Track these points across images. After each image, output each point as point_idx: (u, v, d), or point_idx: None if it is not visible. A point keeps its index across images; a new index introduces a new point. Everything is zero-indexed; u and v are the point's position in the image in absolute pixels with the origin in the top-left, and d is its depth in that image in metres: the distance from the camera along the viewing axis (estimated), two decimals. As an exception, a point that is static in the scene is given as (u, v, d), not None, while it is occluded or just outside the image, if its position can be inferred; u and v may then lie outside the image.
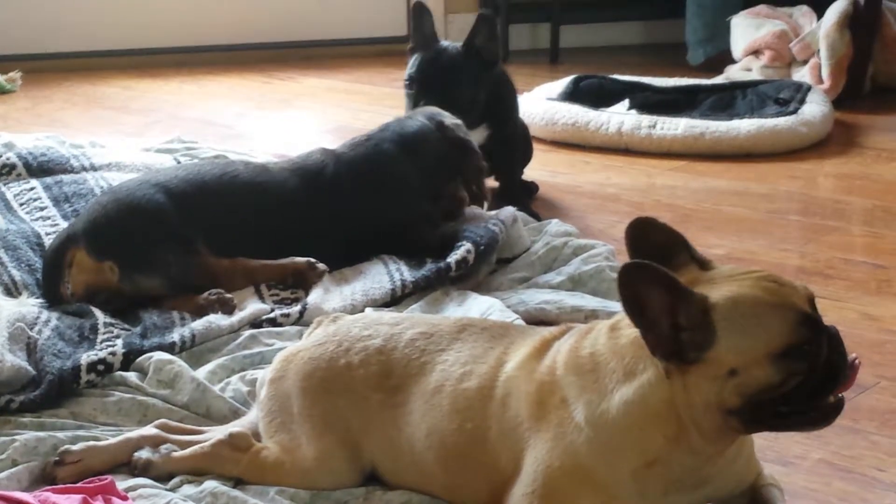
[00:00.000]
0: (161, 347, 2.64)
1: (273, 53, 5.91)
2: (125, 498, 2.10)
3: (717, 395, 1.85)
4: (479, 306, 2.83)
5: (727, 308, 1.84)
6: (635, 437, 1.91)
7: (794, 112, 4.45)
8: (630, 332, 1.90)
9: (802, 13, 5.18)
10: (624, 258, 1.92)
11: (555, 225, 3.35)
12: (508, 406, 2.02)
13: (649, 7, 6.17)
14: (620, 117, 4.44)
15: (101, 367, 2.55)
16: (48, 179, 3.61)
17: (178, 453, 2.23)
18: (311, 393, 2.18)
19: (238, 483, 2.18)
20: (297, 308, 2.85)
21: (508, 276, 3.10)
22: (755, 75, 5.06)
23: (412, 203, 3.16)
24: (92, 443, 2.27)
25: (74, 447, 2.24)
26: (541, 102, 4.56)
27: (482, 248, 3.04)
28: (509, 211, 3.29)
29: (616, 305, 2.66)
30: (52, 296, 2.91)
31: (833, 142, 4.48)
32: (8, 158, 3.71)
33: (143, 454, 2.23)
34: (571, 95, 4.63)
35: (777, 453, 2.32)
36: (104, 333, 2.71)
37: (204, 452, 2.21)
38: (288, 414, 2.19)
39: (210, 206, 3.03)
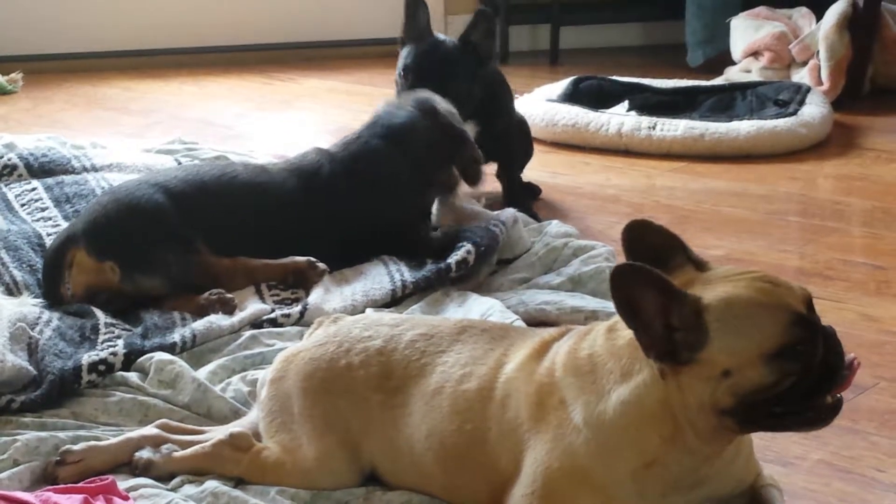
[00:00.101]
0: (162, 348, 2.64)
1: (273, 54, 5.91)
2: (126, 498, 2.10)
3: (711, 396, 1.86)
4: (479, 307, 2.84)
5: (720, 309, 1.85)
6: (632, 437, 1.91)
7: (794, 113, 4.45)
8: (627, 333, 1.91)
9: (802, 15, 5.19)
10: (623, 259, 1.93)
11: (555, 226, 3.36)
12: (508, 407, 2.03)
13: (649, 8, 6.17)
14: (620, 118, 4.44)
15: (102, 368, 2.55)
16: (49, 180, 3.61)
17: (179, 453, 2.23)
18: (311, 393, 2.19)
19: (239, 483, 2.18)
20: (297, 308, 2.86)
21: (509, 277, 3.11)
22: (754, 77, 5.07)
23: (406, 200, 3.15)
24: (93, 443, 2.27)
25: (76, 447, 2.24)
26: (541, 104, 4.57)
27: (482, 248, 3.05)
28: (510, 212, 3.29)
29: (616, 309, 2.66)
30: (53, 297, 2.91)
31: (832, 143, 4.49)
32: (9, 159, 3.72)
33: (145, 454, 2.23)
34: (571, 97, 4.63)
35: (776, 454, 2.33)
36: (105, 334, 2.72)
37: (205, 452, 2.21)
38: (288, 414, 2.19)
39: (209, 206, 3.04)
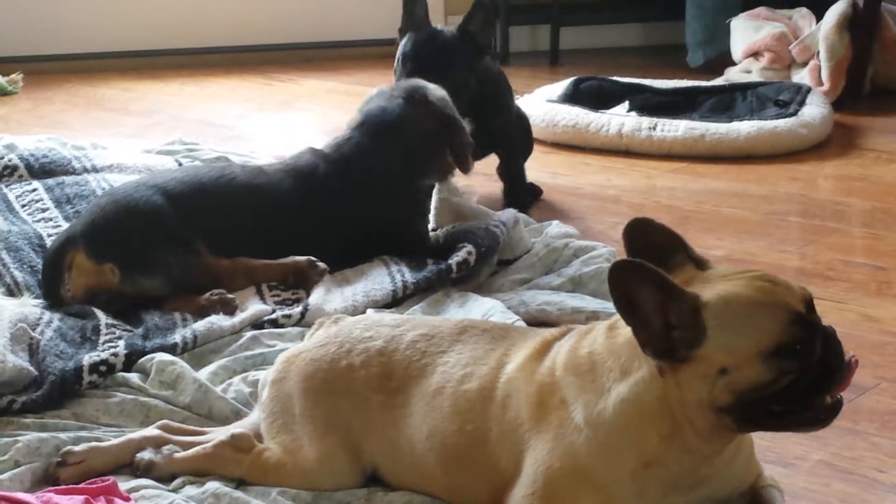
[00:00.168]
0: (163, 348, 2.64)
1: (274, 55, 5.91)
2: (127, 499, 2.10)
3: (709, 394, 1.86)
4: (480, 308, 2.84)
5: (718, 307, 1.85)
6: (632, 436, 1.92)
7: (794, 114, 4.45)
8: (627, 331, 1.91)
9: (802, 15, 5.19)
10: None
11: (555, 226, 3.36)
12: (509, 407, 2.03)
13: (649, 9, 6.17)
14: (621, 119, 4.45)
15: (103, 368, 2.55)
16: (50, 181, 3.61)
17: (181, 454, 2.24)
18: (312, 394, 2.19)
19: (240, 484, 2.18)
20: (298, 309, 2.86)
21: (509, 278, 3.11)
22: (755, 77, 5.07)
23: (402, 198, 3.14)
24: (94, 444, 2.27)
25: (77, 448, 2.24)
26: (541, 104, 4.57)
27: (483, 249, 3.05)
28: (510, 213, 3.29)
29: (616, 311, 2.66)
30: (53, 299, 2.91)
31: (833, 143, 4.49)
32: (10, 160, 3.72)
33: (146, 455, 2.23)
34: (572, 97, 4.63)
35: (777, 454, 2.33)
36: (106, 334, 2.72)
37: (206, 453, 2.21)
38: (289, 415, 2.20)
39: (208, 207, 3.04)
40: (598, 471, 1.93)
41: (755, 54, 5.16)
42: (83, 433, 2.35)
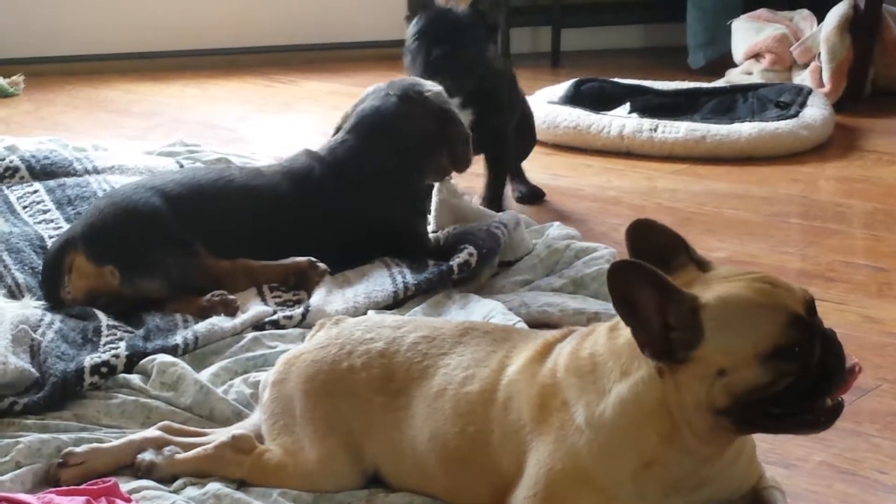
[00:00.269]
0: (164, 350, 2.64)
1: (275, 57, 5.91)
2: (128, 500, 2.10)
3: (707, 395, 1.86)
4: (481, 309, 2.84)
5: (717, 308, 1.85)
6: (632, 437, 1.92)
7: (795, 115, 4.45)
8: (627, 332, 1.91)
9: (803, 17, 5.19)
10: (626, 261, 1.93)
11: (556, 228, 3.36)
12: (510, 409, 2.03)
13: (650, 11, 6.17)
14: (622, 121, 4.45)
15: (104, 370, 2.55)
16: (51, 182, 3.61)
17: (182, 455, 2.23)
18: (313, 395, 2.19)
19: (241, 485, 2.18)
20: (299, 310, 2.86)
21: (510, 279, 3.11)
22: (756, 79, 5.07)
23: (399, 199, 3.14)
24: (95, 445, 2.27)
25: (78, 449, 2.24)
26: (542, 106, 4.56)
27: (484, 251, 3.05)
28: (511, 214, 3.29)
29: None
30: (53, 301, 2.91)
31: (834, 145, 4.49)
32: (11, 161, 3.72)
33: (147, 456, 2.23)
34: (573, 99, 4.63)
35: (779, 456, 2.33)
36: (107, 336, 2.72)
37: (207, 454, 2.21)
38: (290, 416, 2.20)
39: (206, 209, 3.04)
40: (599, 472, 1.93)
41: (756, 56, 5.16)
42: (84, 434, 2.35)
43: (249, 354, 2.67)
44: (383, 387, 2.15)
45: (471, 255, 3.02)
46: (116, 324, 2.79)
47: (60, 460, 2.23)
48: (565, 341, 2.05)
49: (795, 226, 3.71)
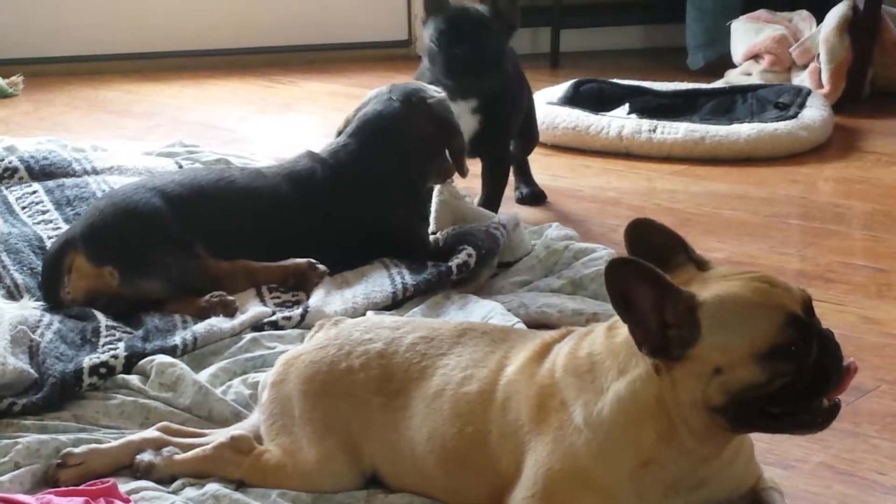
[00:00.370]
0: (163, 350, 2.64)
1: (275, 57, 5.91)
2: (127, 501, 2.10)
3: (703, 393, 1.86)
4: (480, 310, 2.84)
5: (714, 306, 1.86)
6: (630, 435, 1.92)
7: (794, 116, 4.45)
8: (625, 330, 1.92)
9: (802, 18, 5.19)
10: (624, 261, 1.93)
11: (555, 229, 3.36)
12: (509, 409, 2.03)
13: (649, 12, 6.17)
14: (621, 121, 4.45)
15: (103, 371, 2.55)
16: (50, 183, 3.61)
17: (180, 456, 2.24)
18: (312, 396, 2.19)
19: (240, 486, 2.18)
20: (298, 311, 2.86)
21: (509, 280, 3.11)
22: (755, 80, 5.07)
23: (400, 203, 3.14)
24: (94, 445, 2.27)
25: (77, 450, 2.24)
26: (541, 106, 4.55)
27: (483, 251, 3.05)
28: (510, 215, 3.30)
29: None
30: (53, 301, 2.91)
31: (833, 146, 4.49)
32: (10, 162, 3.72)
33: (146, 457, 2.23)
34: (572, 100, 4.63)
35: (778, 456, 2.33)
36: (106, 336, 2.72)
37: (206, 455, 2.22)
38: (289, 417, 2.20)
39: (207, 210, 3.04)
40: (597, 472, 1.93)
41: (755, 57, 5.16)
42: (83, 435, 2.35)
43: (248, 355, 2.68)
44: (382, 387, 2.15)
45: (469, 255, 3.02)
46: (115, 324, 2.79)
47: (59, 461, 2.23)
48: (564, 341, 2.06)
49: (794, 227, 3.71)
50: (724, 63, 5.37)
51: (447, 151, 3.16)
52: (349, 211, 3.11)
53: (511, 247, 3.20)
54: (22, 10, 5.70)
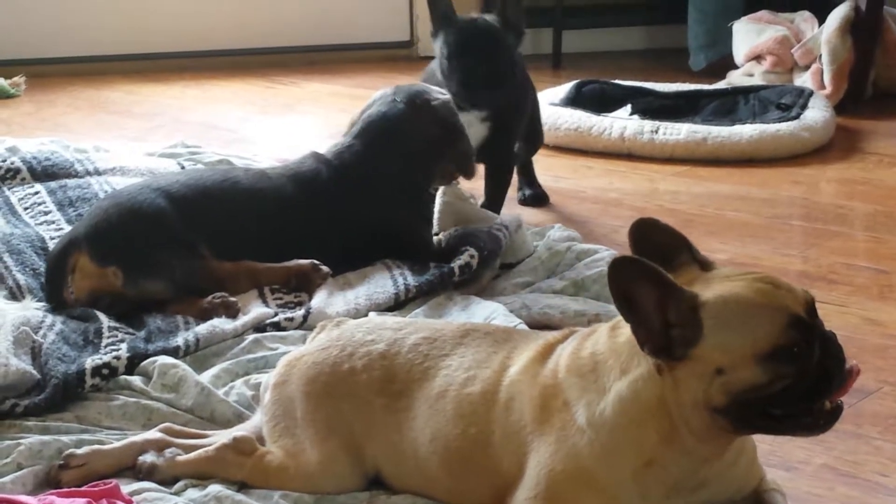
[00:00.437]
0: (165, 351, 2.64)
1: (276, 58, 5.91)
2: (130, 502, 2.10)
3: (704, 393, 1.86)
4: (482, 311, 2.84)
5: (716, 306, 1.86)
6: (632, 435, 1.92)
7: (796, 117, 4.45)
8: (628, 330, 1.91)
9: (804, 19, 5.19)
10: (628, 263, 1.93)
11: (557, 230, 3.36)
12: (512, 410, 2.03)
13: (651, 12, 6.17)
14: (623, 122, 4.45)
15: (105, 372, 2.55)
16: (52, 184, 3.61)
17: (183, 457, 2.24)
18: (314, 397, 2.19)
19: (242, 487, 2.18)
20: (300, 312, 2.86)
21: (512, 281, 3.11)
22: (757, 81, 5.07)
23: (404, 205, 3.14)
24: (96, 446, 2.27)
25: (79, 451, 2.24)
26: (544, 107, 4.55)
27: (486, 253, 3.05)
28: (513, 216, 3.30)
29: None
30: (56, 301, 2.92)
31: (835, 147, 4.49)
32: (12, 163, 3.71)
33: (148, 458, 2.23)
34: (574, 101, 4.63)
35: (780, 458, 2.33)
36: (108, 337, 2.72)
37: (208, 456, 2.21)
38: (291, 418, 2.20)
39: (211, 210, 3.04)
40: (600, 472, 1.93)
41: (757, 58, 5.16)
42: (85, 436, 2.35)
43: (250, 356, 2.68)
44: (384, 388, 2.15)
45: (472, 256, 3.02)
46: (117, 325, 2.79)
47: (61, 462, 2.23)
48: (567, 342, 2.06)
49: (797, 228, 3.71)
50: (726, 64, 5.38)
51: (452, 153, 3.16)
52: (353, 212, 3.11)
53: (513, 248, 3.20)
54: (24, 10, 5.70)
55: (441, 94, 3.21)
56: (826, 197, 4.01)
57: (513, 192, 3.80)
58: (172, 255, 2.94)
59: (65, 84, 5.54)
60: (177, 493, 2.17)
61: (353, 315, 2.78)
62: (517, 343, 2.12)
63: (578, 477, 1.94)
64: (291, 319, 2.84)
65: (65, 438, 2.32)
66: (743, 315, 1.85)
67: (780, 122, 4.42)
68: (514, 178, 3.79)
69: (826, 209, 3.86)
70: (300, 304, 2.94)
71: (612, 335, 1.98)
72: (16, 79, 5.40)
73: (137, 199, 3.01)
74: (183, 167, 3.80)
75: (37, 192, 3.57)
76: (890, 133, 4.66)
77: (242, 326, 2.79)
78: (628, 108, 4.58)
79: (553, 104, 4.59)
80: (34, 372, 2.52)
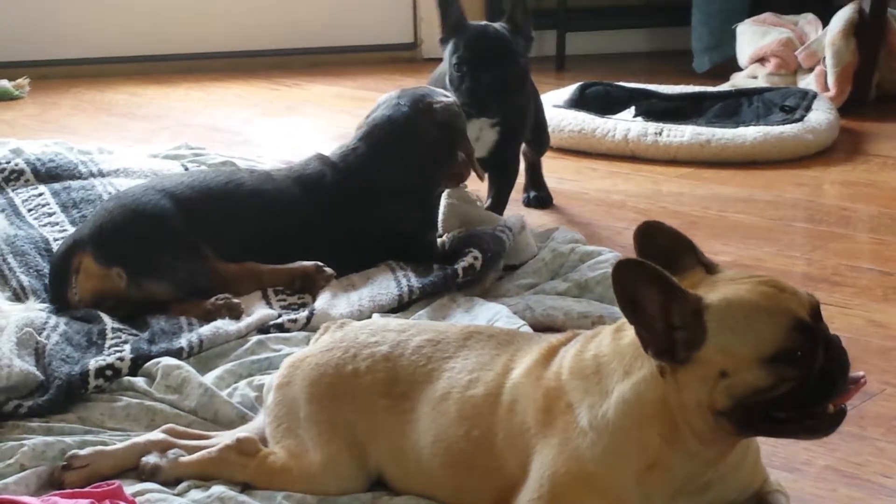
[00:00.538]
0: (169, 353, 2.64)
1: (280, 60, 5.92)
2: (132, 502, 2.10)
3: (708, 396, 1.86)
4: (485, 313, 2.84)
5: (720, 309, 1.85)
6: (635, 437, 1.92)
7: (800, 119, 4.45)
8: (632, 332, 1.91)
9: (808, 21, 5.19)
10: (631, 264, 1.93)
11: (561, 232, 3.36)
12: (515, 412, 2.03)
13: (655, 15, 6.17)
14: (627, 124, 4.45)
15: (109, 373, 2.55)
16: (56, 185, 3.61)
17: (186, 458, 2.24)
18: (317, 399, 2.19)
19: (245, 488, 2.18)
20: (304, 313, 2.86)
21: (515, 283, 3.11)
22: (761, 83, 5.07)
23: (408, 208, 3.15)
24: (100, 447, 2.28)
25: (82, 452, 2.25)
26: (547, 109, 4.55)
27: (489, 254, 3.05)
28: (517, 218, 3.30)
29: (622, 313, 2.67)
30: (60, 302, 2.92)
31: (839, 149, 4.49)
32: (16, 164, 3.72)
33: (151, 459, 2.23)
34: (578, 102, 4.63)
35: (784, 460, 2.33)
36: (112, 339, 2.72)
37: (211, 457, 2.22)
38: (295, 419, 2.20)
39: (215, 212, 3.04)
40: (602, 475, 1.93)
41: (761, 60, 5.16)
42: (89, 437, 2.36)
43: (254, 357, 2.68)
44: (388, 390, 2.15)
45: (475, 258, 3.02)
46: (121, 327, 2.79)
47: (65, 463, 2.23)
48: (570, 344, 2.06)
49: (801, 230, 3.71)
50: (729, 66, 5.38)
51: (456, 157, 3.16)
52: (357, 214, 3.12)
53: (517, 250, 3.20)
54: (28, 13, 5.71)
55: (445, 96, 3.22)
56: (830, 199, 4.01)
57: (516, 194, 3.80)
58: (176, 256, 2.94)
59: (69, 86, 5.54)
60: (180, 494, 2.17)
61: (356, 317, 2.78)
62: (520, 345, 2.12)
63: (581, 479, 1.94)
64: (295, 321, 2.84)
65: (68, 439, 2.32)
66: (747, 318, 1.85)
67: (783, 124, 4.42)
68: (519, 179, 3.79)
69: (830, 211, 3.86)
70: (304, 305, 2.94)
71: (615, 337, 1.98)
72: (20, 80, 5.41)
73: (141, 201, 3.01)
74: (187, 169, 3.80)
75: (41, 194, 3.57)
76: (894, 135, 4.66)
77: (246, 328, 2.79)
78: (632, 110, 4.58)
79: (557, 106, 4.60)
80: (38, 373, 2.52)
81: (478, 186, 3.53)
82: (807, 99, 4.63)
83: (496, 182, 3.66)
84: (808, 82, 4.97)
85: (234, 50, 5.90)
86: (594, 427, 1.94)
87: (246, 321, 2.81)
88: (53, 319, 2.79)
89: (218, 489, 2.15)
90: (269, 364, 2.64)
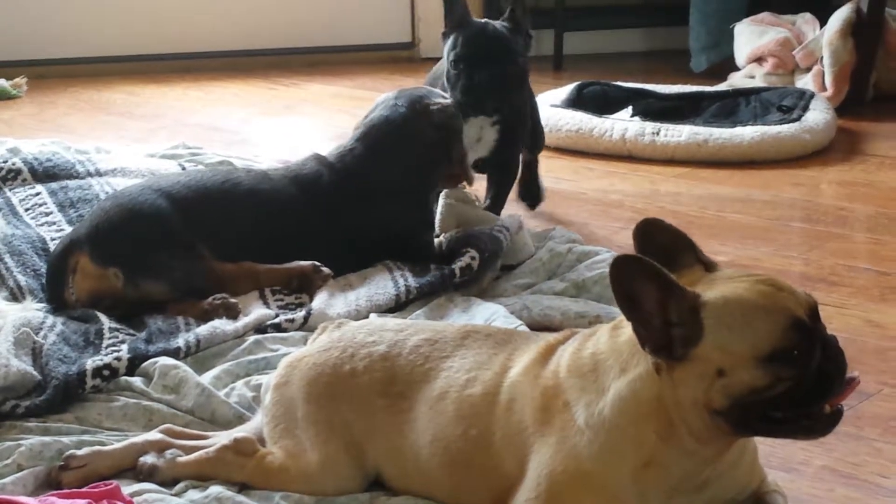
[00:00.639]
0: (166, 353, 2.64)
1: (278, 59, 5.92)
2: (130, 503, 2.10)
3: (704, 394, 1.86)
4: (483, 312, 2.84)
5: (718, 307, 1.85)
6: (631, 435, 1.92)
7: (798, 119, 4.45)
8: (629, 330, 1.91)
9: (805, 21, 5.19)
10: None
11: (559, 232, 3.37)
12: (513, 411, 2.03)
13: (653, 14, 6.18)
14: (624, 124, 4.45)
15: (106, 373, 2.55)
16: (53, 185, 3.61)
17: (183, 458, 2.24)
18: (315, 399, 2.19)
19: (243, 488, 2.18)
20: (301, 313, 2.86)
21: (512, 283, 3.11)
22: (758, 82, 5.07)
23: (405, 208, 3.15)
24: (97, 448, 2.27)
25: (80, 452, 2.24)
26: (545, 109, 4.56)
27: (487, 254, 3.05)
28: (514, 218, 3.30)
29: (620, 312, 2.67)
30: (57, 302, 2.92)
31: (836, 149, 4.49)
32: (13, 164, 3.72)
33: (149, 459, 2.23)
34: (575, 102, 4.64)
35: (781, 459, 2.33)
36: (109, 339, 2.72)
37: (209, 457, 2.22)
38: (292, 419, 2.20)
39: (212, 212, 3.04)
40: (598, 473, 1.93)
41: (759, 59, 5.17)
42: (86, 437, 2.36)
43: (251, 357, 2.68)
44: (385, 390, 2.15)
45: (473, 258, 3.02)
46: (118, 326, 2.79)
47: (62, 463, 2.23)
48: (567, 343, 2.06)
49: (798, 230, 3.71)
50: (727, 66, 5.38)
51: (452, 157, 3.16)
52: (355, 214, 3.12)
53: (514, 250, 3.20)
54: (25, 12, 5.70)
55: (443, 97, 3.22)
56: (827, 199, 4.01)
57: (513, 195, 3.80)
58: (173, 256, 2.94)
59: (66, 85, 5.54)
60: (177, 495, 2.17)
61: (353, 316, 2.78)
62: (518, 344, 2.13)
63: (578, 478, 1.94)
64: (292, 321, 2.84)
65: (65, 439, 2.32)
66: (744, 316, 1.85)
67: (781, 124, 4.42)
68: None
69: (827, 211, 3.86)
70: (301, 305, 2.94)
71: (613, 335, 1.98)
72: (17, 80, 5.41)
73: (138, 200, 3.01)
74: (184, 168, 3.80)
75: (38, 193, 3.57)
76: (891, 135, 4.66)
77: (243, 328, 2.79)
78: (629, 109, 4.58)
79: (554, 106, 4.60)
80: (35, 373, 2.52)
81: (476, 186, 3.53)
82: (804, 99, 4.63)
83: (495, 182, 3.65)
84: (805, 82, 4.97)
85: (232, 49, 5.90)
86: (591, 425, 1.94)
87: (243, 321, 2.81)
88: (50, 319, 2.79)
89: (215, 489, 2.15)
90: (267, 364, 2.64)
